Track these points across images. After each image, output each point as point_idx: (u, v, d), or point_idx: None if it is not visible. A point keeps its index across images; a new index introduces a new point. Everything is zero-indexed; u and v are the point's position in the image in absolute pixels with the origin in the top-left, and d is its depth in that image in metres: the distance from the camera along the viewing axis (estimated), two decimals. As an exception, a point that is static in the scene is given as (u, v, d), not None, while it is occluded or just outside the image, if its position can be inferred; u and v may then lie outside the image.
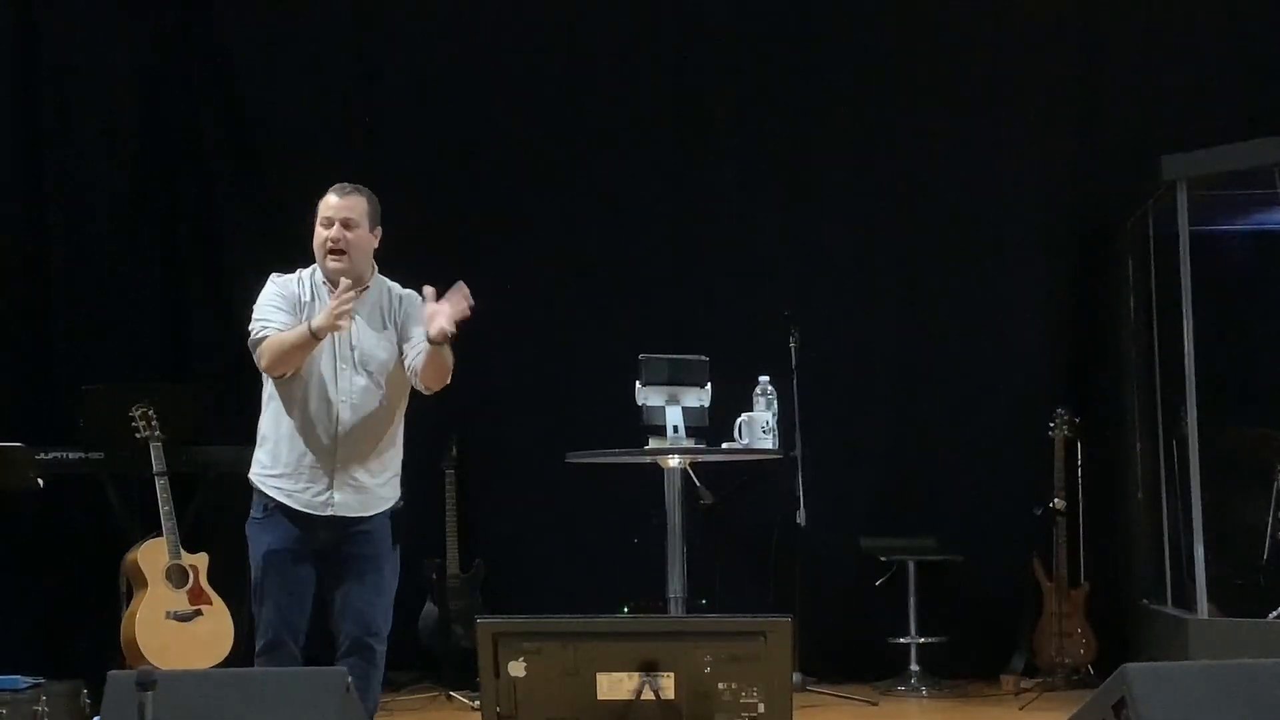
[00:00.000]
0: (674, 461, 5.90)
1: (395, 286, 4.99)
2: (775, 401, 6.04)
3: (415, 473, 7.37)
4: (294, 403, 4.80)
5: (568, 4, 7.82)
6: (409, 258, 7.62)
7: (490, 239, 7.73)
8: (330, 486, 4.78)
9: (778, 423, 6.05)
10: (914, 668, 7.24)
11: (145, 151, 7.67)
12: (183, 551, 6.41)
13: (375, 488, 4.87)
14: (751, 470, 6.78)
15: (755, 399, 6.00)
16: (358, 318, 4.81)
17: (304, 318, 4.76)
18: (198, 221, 7.76)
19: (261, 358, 4.76)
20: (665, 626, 4.35)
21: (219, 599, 6.42)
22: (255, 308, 4.86)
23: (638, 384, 5.91)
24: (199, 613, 6.38)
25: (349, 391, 4.79)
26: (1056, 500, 7.18)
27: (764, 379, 6.06)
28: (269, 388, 4.87)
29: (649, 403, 5.89)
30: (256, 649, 4.83)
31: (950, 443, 7.56)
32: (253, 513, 4.85)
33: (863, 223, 7.72)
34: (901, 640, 7.29)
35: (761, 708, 3.78)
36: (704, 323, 7.43)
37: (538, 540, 7.52)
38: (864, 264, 7.71)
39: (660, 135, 7.79)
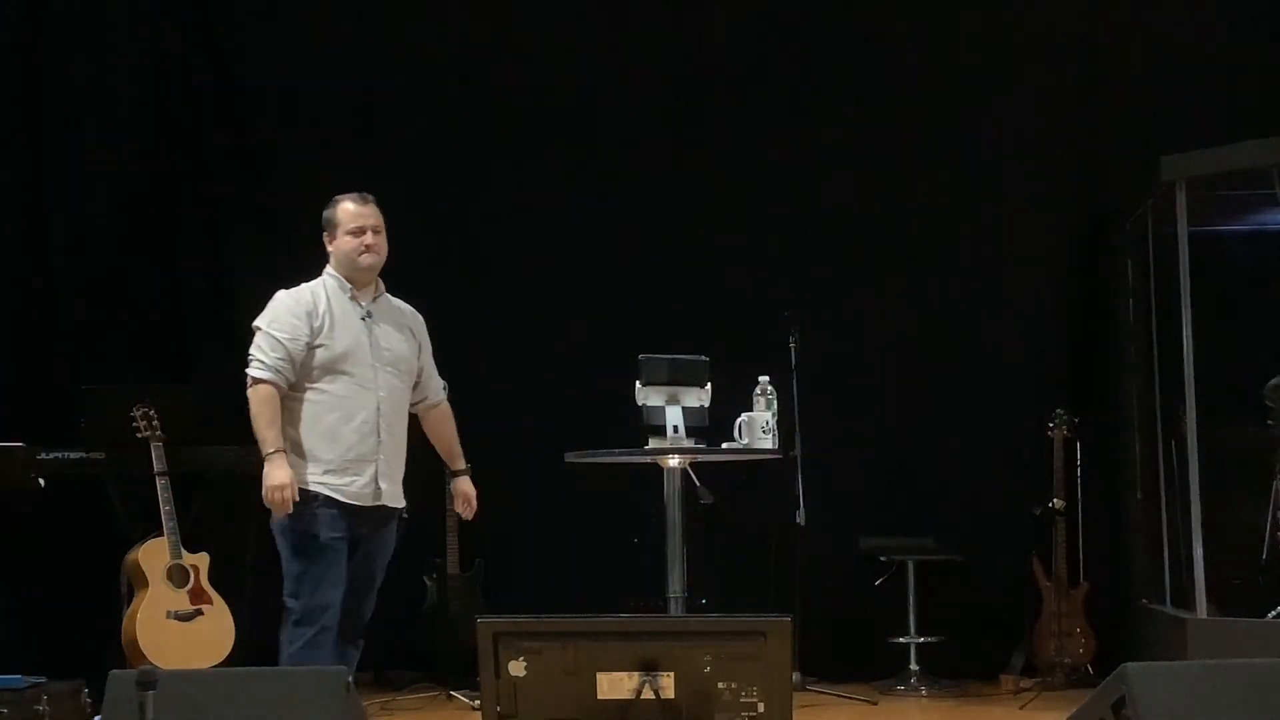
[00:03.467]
0: (674, 461, 5.90)
1: (403, 304, 5.38)
2: (775, 401, 6.05)
3: (415, 473, 7.42)
4: (334, 400, 5.07)
5: (569, 4, 7.83)
6: (410, 257, 7.64)
7: (490, 239, 7.74)
8: (376, 476, 5.09)
9: (778, 423, 6.06)
10: (913, 667, 7.25)
11: (146, 152, 7.67)
12: (183, 551, 6.42)
13: (400, 484, 5.24)
14: (751, 470, 6.79)
15: (755, 399, 6.01)
16: (382, 323, 5.20)
17: (318, 327, 5.06)
18: (199, 221, 7.76)
19: (249, 391, 5.04)
20: (665, 626, 4.35)
21: (220, 599, 6.42)
22: (260, 328, 5.09)
23: (638, 384, 5.92)
24: (200, 612, 6.38)
25: (386, 388, 5.14)
26: (1056, 500, 7.19)
27: (764, 379, 6.06)
28: (292, 395, 5.07)
29: (649, 403, 5.90)
30: (298, 639, 4.95)
31: (950, 443, 7.56)
32: (297, 508, 4.98)
33: (863, 223, 7.72)
34: (901, 640, 7.30)
35: (761, 707, 3.79)
36: (704, 323, 7.43)
37: (538, 540, 7.53)
38: (864, 264, 7.71)
39: (661, 135, 7.79)
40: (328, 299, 5.15)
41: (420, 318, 5.42)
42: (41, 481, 6.11)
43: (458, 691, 6.91)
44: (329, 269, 5.25)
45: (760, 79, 7.79)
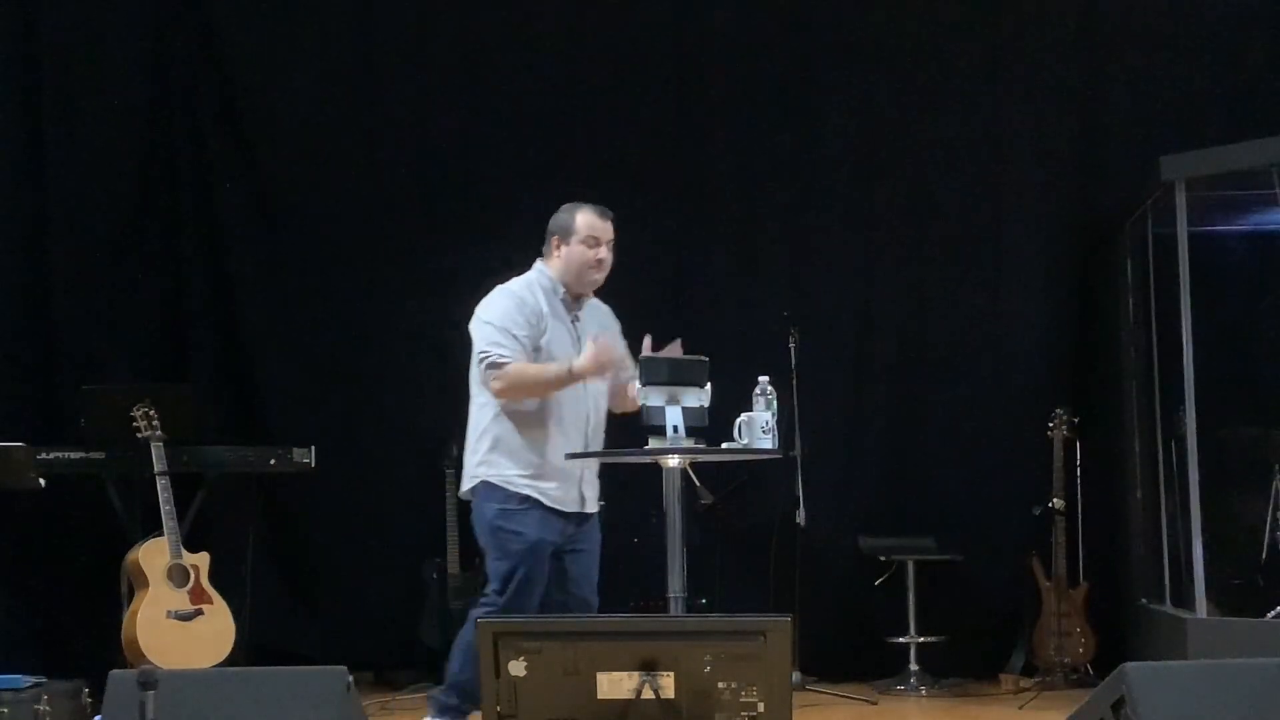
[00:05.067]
0: (674, 461, 5.89)
1: (596, 300, 5.30)
2: (775, 401, 6.03)
3: (416, 472, 7.44)
4: (549, 407, 5.06)
5: (569, 2, 7.82)
6: (409, 257, 7.62)
7: (490, 238, 7.71)
8: (580, 484, 5.14)
9: (777, 423, 6.05)
10: (913, 667, 7.25)
11: (147, 151, 7.66)
12: (184, 551, 6.42)
13: (597, 487, 5.23)
14: (751, 470, 6.78)
15: (755, 399, 5.98)
16: (589, 328, 5.16)
17: (541, 331, 5.00)
18: (198, 221, 7.75)
19: (498, 381, 4.95)
20: (665, 626, 4.35)
21: (220, 598, 6.43)
22: (491, 324, 5.00)
23: (638, 384, 5.90)
24: (200, 612, 6.38)
25: (596, 395, 5.17)
26: (1055, 500, 7.19)
27: (764, 379, 6.04)
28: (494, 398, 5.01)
29: (649, 403, 5.88)
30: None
31: (950, 443, 7.57)
32: (502, 504, 5.02)
33: (863, 223, 7.73)
34: (901, 640, 7.30)
35: (761, 707, 3.79)
36: (704, 323, 7.43)
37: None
38: (864, 264, 7.71)
39: (661, 135, 7.79)
40: (545, 302, 5.08)
41: (608, 309, 5.36)
42: (42, 481, 6.10)
43: (458, 691, 6.90)
44: (543, 268, 5.17)
45: (760, 78, 7.78)
